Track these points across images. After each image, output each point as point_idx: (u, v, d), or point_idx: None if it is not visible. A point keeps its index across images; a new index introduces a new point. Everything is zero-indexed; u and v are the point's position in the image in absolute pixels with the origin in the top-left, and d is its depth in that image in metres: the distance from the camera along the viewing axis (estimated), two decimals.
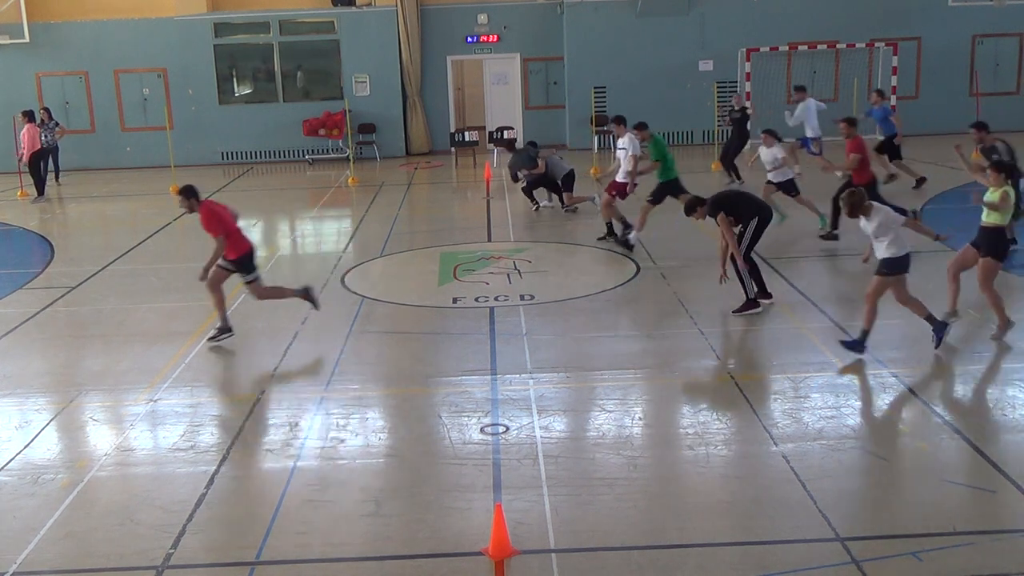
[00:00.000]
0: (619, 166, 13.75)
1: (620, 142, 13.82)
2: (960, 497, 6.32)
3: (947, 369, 8.69)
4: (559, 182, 16.03)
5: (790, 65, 23.73)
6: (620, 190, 13.67)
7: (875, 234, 8.61)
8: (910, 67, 23.50)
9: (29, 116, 20.01)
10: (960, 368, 8.65)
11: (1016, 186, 9.08)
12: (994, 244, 8.94)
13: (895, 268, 8.60)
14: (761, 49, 23.10)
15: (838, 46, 23.19)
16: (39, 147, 19.86)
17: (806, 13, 23.27)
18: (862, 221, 8.68)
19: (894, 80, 22.82)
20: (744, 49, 23.09)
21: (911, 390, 8.09)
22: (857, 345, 8.78)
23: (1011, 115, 23.46)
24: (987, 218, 9.00)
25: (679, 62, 23.51)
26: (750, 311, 10.16)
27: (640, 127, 13.75)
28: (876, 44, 23.13)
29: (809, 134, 18.26)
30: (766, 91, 23.37)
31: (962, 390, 8.22)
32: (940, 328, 8.85)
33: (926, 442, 7.17)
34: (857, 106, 21.15)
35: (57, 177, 21.56)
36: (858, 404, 7.87)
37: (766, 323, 10.10)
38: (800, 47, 23.20)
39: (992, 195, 8.91)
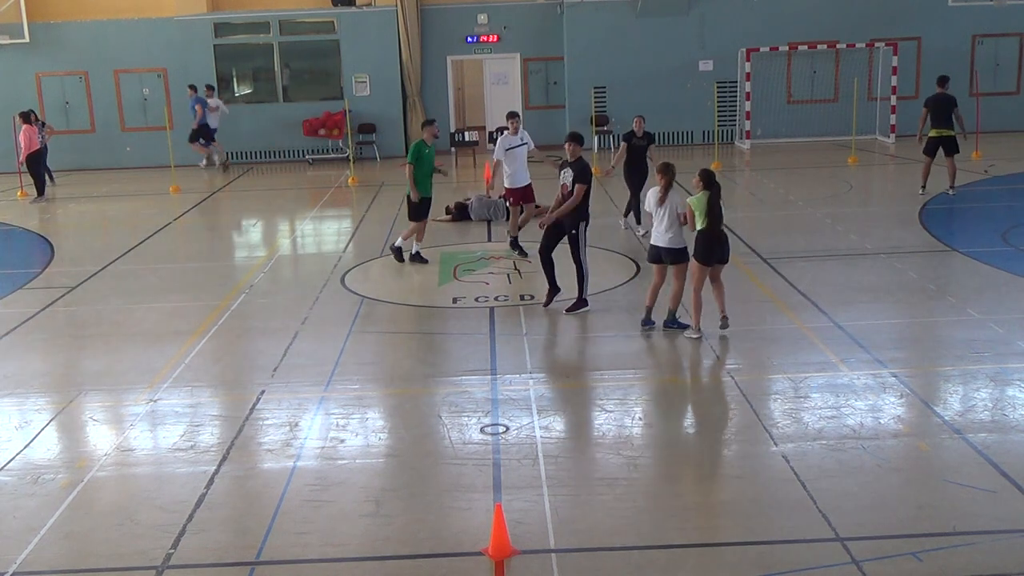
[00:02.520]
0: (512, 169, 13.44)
1: (521, 138, 13.48)
2: (960, 497, 6.31)
3: (947, 369, 8.69)
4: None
5: (790, 65, 23.73)
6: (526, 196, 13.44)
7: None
8: (910, 67, 23.49)
9: (25, 117, 19.96)
10: (960, 368, 8.65)
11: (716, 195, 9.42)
12: (695, 248, 9.47)
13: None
14: (761, 49, 23.10)
15: (838, 46, 23.18)
16: (37, 147, 19.81)
17: (806, 13, 23.26)
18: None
19: (894, 80, 22.83)
20: (744, 49, 23.09)
21: (911, 390, 8.10)
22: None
23: (1011, 115, 23.49)
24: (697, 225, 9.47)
25: (679, 62, 23.51)
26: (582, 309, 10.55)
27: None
28: (876, 44, 23.13)
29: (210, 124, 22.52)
30: (766, 91, 23.38)
31: (962, 390, 8.22)
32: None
33: (926, 442, 7.17)
34: (857, 107, 21.17)
35: (51, 177, 21.44)
36: (858, 404, 7.86)
37: (766, 323, 10.10)
38: (800, 47, 23.20)
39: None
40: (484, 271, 12.60)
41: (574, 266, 10.53)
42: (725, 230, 9.61)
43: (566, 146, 10.58)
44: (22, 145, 19.74)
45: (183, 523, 6.30)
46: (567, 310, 10.56)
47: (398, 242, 13.10)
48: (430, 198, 12.97)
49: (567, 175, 10.44)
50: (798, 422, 7.56)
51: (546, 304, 10.74)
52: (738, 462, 7.08)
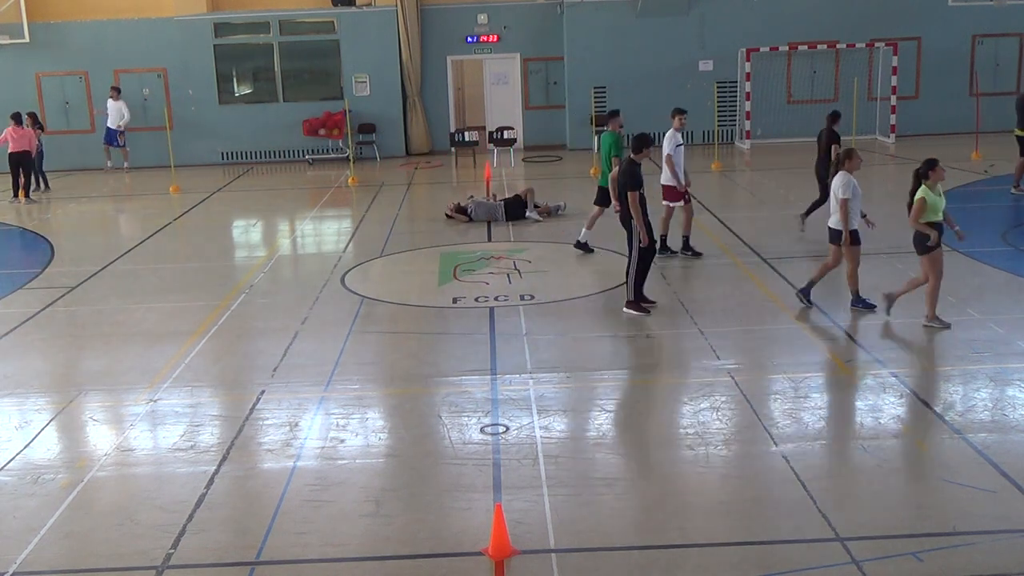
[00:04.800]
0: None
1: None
2: (960, 497, 6.32)
3: (947, 369, 8.69)
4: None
5: (790, 65, 23.72)
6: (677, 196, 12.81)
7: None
8: (910, 67, 23.48)
9: (16, 118, 19.73)
10: (960, 368, 8.65)
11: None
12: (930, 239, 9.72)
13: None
14: (761, 49, 23.09)
15: (838, 46, 23.17)
16: (26, 148, 19.53)
17: (806, 13, 23.25)
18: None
19: (894, 80, 22.82)
20: (744, 49, 23.08)
21: (911, 390, 8.10)
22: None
23: (1011, 115, 23.41)
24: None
25: (679, 62, 23.50)
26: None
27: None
28: (876, 44, 23.12)
29: (111, 125, 22.75)
30: (766, 91, 23.38)
31: (962, 390, 8.23)
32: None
33: (926, 442, 7.18)
34: (857, 106, 21.16)
35: (41, 182, 21.15)
36: (858, 404, 7.86)
37: (766, 323, 10.11)
38: (800, 47, 23.19)
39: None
40: (484, 271, 12.59)
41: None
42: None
43: (646, 152, 10.41)
44: (11, 144, 19.43)
45: (183, 523, 6.30)
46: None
47: (583, 236, 13.29)
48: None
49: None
50: (798, 422, 7.56)
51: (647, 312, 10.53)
52: (738, 462, 7.08)
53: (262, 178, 22.42)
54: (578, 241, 13.31)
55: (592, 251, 13.21)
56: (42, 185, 20.64)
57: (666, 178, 12.82)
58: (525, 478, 6.76)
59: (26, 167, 19.52)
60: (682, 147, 12.77)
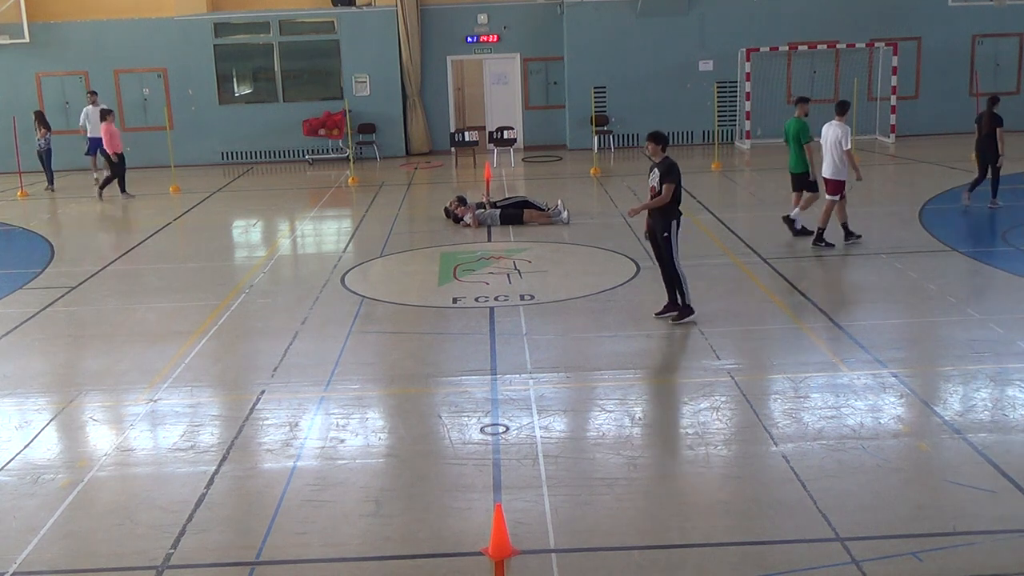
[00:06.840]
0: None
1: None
2: (960, 497, 6.32)
3: (947, 369, 8.69)
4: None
5: (790, 65, 23.72)
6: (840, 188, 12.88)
7: None
8: (910, 67, 23.49)
9: (106, 113, 19.70)
10: (960, 368, 8.65)
11: None
12: None
13: None
14: (761, 49, 23.10)
15: (838, 46, 23.18)
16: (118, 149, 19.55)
17: (806, 13, 23.27)
18: None
19: (894, 80, 22.82)
20: (744, 49, 23.09)
21: (911, 390, 8.10)
22: None
23: (1011, 115, 23.41)
24: None
25: (679, 62, 23.51)
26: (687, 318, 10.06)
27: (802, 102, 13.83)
28: (876, 44, 23.13)
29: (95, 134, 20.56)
30: (766, 91, 23.38)
31: (962, 390, 8.23)
32: None
33: (926, 442, 7.18)
34: (857, 107, 21.16)
35: (51, 180, 21.15)
36: (858, 404, 7.86)
37: (766, 323, 10.10)
38: (800, 47, 23.20)
39: None
40: (484, 271, 12.60)
41: (668, 273, 10.09)
42: None
43: (647, 146, 9.92)
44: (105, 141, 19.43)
45: (183, 523, 6.30)
46: (673, 320, 10.03)
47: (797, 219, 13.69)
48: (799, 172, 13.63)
49: (653, 176, 9.83)
50: (798, 422, 7.56)
51: (659, 314, 10.20)
52: (738, 462, 7.08)
53: (262, 178, 22.42)
54: (800, 227, 13.51)
55: (804, 232, 13.40)
56: (48, 183, 20.56)
57: (833, 172, 12.83)
58: (525, 478, 6.76)
59: (108, 163, 19.55)
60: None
